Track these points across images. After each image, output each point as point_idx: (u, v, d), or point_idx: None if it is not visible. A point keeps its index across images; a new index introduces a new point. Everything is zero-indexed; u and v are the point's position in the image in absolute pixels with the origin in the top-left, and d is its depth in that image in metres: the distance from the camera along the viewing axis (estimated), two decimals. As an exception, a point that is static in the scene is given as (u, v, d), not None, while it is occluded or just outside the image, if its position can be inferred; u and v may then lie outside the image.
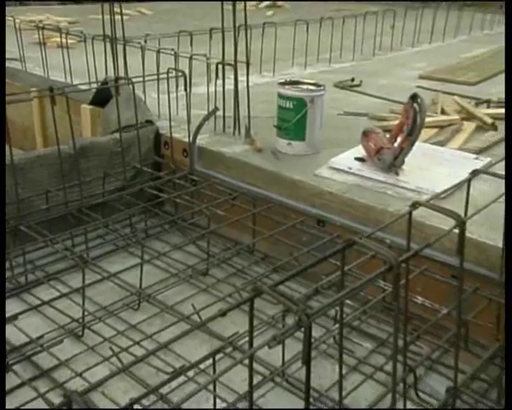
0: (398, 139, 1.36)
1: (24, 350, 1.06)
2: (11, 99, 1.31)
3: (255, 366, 1.00)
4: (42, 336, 1.09)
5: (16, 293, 1.24)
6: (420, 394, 0.99)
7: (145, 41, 1.96)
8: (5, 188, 1.19)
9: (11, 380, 1.00)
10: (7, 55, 2.47)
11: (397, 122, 1.43)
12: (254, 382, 0.81)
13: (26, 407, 0.94)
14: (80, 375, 1.00)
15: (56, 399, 0.94)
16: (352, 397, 0.97)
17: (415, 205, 0.74)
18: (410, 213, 0.75)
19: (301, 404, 0.95)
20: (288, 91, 1.49)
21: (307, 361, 0.56)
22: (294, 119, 1.48)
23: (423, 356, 1.05)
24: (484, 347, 1.03)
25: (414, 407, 0.96)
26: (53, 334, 1.10)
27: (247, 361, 0.66)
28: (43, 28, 2.55)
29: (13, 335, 1.09)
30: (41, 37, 2.47)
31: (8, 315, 1.12)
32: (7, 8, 3.43)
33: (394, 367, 0.70)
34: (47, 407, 0.93)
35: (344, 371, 0.89)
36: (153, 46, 1.81)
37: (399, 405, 0.90)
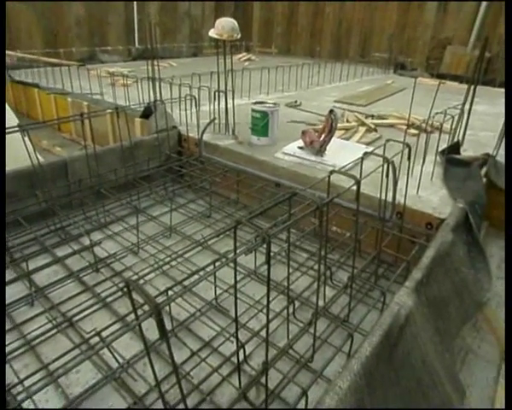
0: (323, 136, 1.35)
1: (106, 260, 1.06)
2: (96, 115, 1.27)
3: (239, 268, 1.01)
4: (115, 253, 1.09)
5: (99, 228, 1.22)
6: (333, 281, 1.01)
7: (172, 79, 1.91)
8: (5, 186, 1.09)
9: (99, 277, 1.00)
10: (93, 91, 2.42)
11: (321, 126, 1.41)
12: (238, 278, 0.81)
13: (105, 292, 0.94)
14: (137, 274, 1.00)
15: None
16: (295, 285, 0.99)
17: (331, 172, 0.73)
18: (329, 176, 0.74)
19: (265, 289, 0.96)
20: (258, 107, 1.46)
21: (268, 262, 0.56)
22: (261, 124, 1.45)
23: (335, 260, 1.07)
24: (368, 254, 1.04)
25: (329, 289, 0.98)
26: (121, 251, 1.10)
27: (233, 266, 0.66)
28: (113, 75, 2.53)
29: (99, 252, 1.08)
30: (112, 80, 2.47)
31: (95, 240, 1.11)
32: (95, 65, 3.38)
33: (319, 267, 0.70)
34: (116, 290, 0.95)
35: (290, 271, 0.89)
36: (176, 83, 1.76)
37: (321, 288, 0.91)
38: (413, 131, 1.56)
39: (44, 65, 3.15)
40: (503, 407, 0.64)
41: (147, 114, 1.68)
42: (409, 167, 1.01)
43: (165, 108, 1.56)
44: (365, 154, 0.85)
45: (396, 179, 0.91)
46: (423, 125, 1.33)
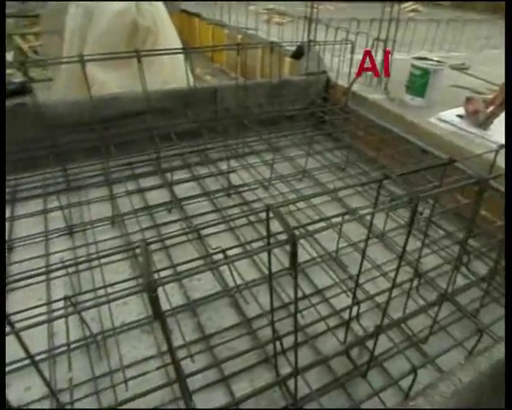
0: (491, 107, 1.17)
1: (238, 188, 1.12)
2: (251, 46, 1.30)
3: (366, 228, 0.97)
4: (247, 183, 1.14)
5: (236, 157, 1.29)
6: (469, 270, 0.91)
7: (329, 22, 1.84)
8: (5, 182, 1.07)
9: (229, 202, 1.07)
10: (248, 26, 2.48)
11: (492, 96, 1.23)
12: (364, 237, 0.78)
13: (234, 217, 0.99)
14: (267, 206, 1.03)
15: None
16: (424, 260, 0.92)
17: (501, 146, 0.64)
18: (496, 152, 0.65)
19: (389, 255, 0.92)
20: (419, 63, 1.33)
21: (410, 225, 0.51)
22: (420, 82, 1.32)
23: (475, 247, 0.96)
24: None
25: (461, 277, 0.89)
26: (253, 183, 1.15)
27: (361, 224, 0.63)
28: (271, 11, 2.56)
29: (233, 179, 1.14)
30: (268, 17, 2.50)
31: (232, 167, 1.17)
32: (252, 1, 3.44)
33: (460, 249, 0.63)
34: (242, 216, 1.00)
35: (420, 245, 0.82)
36: (333, 26, 1.68)
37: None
38: None
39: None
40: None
41: (298, 54, 1.67)
42: None
43: (319, 52, 1.52)
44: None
45: None
46: None
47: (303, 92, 1.47)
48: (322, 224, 0.92)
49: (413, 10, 4.01)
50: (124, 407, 0.58)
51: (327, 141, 1.45)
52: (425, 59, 1.37)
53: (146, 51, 1.09)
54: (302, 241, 0.90)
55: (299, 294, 0.80)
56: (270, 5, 3.27)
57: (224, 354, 0.69)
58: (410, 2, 4.19)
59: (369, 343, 0.71)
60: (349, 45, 1.43)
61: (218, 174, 1.16)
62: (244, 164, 1.25)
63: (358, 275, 0.64)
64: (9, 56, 2.58)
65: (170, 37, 1.81)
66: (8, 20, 2.86)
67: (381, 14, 1.42)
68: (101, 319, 0.74)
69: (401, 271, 0.87)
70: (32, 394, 0.62)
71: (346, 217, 0.65)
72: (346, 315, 0.76)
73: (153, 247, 0.90)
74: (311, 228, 0.56)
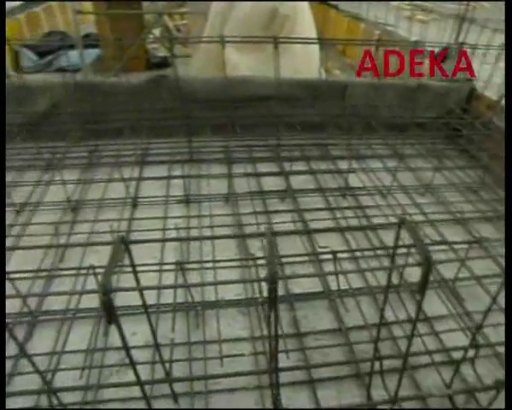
0: None
1: (354, 190, 1.07)
2: (390, 44, 1.22)
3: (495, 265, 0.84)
4: (365, 187, 1.09)
5: (357, 158, 1.22)
6: None
7: (485, 22, 1.64)
8: (5, 184, 0.98)
9: (343, 202, 1.03)
10: (388, 22, 2.34)
11: None
12: (489, 273, 0.68)
13: (346, 220, 0.96)
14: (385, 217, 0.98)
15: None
16: None
17: None
18: None
19: None
20: None
21: None
22: None
23: None
24: None
25: None
26: (371, 188, 1.09)
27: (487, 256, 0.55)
28: (412, 7, 2.39)
29: (350, 180, 1.10)
30: (410, 13, 2.34)
31: (351, 167, 1.13)
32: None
33: None
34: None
35: None
36: (490, 27, 1.49)
37: None
38: None
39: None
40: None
41: (442, 57, 1.53)
42: None
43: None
44: None
45: None
46: None
47: (440, 100, 1.34)
48: (444, 247, 0.84)
49: None
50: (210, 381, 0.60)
51: (460, 157, 1.30)
52: None
53: (283, 38, 1.09)
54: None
55: (405, 316, 0.74)
56: (415, 1, 3.05)
57: (316, 356, 0.67)
58: None
59: (480, 395, 0.62)
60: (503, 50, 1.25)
61: (336, 172, 1.12)
62: (364, 167, 1.19)
63: (485, 316, 0.56)
64: (157, 32, 2.82)
65: (306, 27, 1.79)
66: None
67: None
68: (203, 289, 0.77)
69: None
70: (136, 339, 0.67)
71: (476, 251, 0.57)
72: (456, 354, 0.68)
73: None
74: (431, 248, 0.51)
